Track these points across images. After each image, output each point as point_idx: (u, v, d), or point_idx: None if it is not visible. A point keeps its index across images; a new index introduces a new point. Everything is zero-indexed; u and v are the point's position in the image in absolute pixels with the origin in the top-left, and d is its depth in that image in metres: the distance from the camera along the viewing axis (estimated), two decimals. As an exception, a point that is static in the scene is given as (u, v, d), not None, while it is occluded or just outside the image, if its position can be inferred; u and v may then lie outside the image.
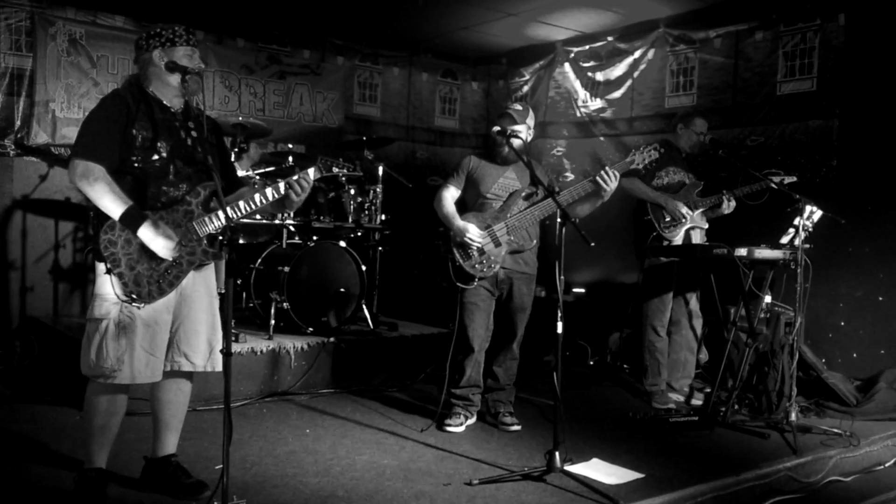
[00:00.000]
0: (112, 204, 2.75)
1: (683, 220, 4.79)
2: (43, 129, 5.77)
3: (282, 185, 2.94)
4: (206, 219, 2.90)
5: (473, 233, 3.96)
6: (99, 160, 2.78)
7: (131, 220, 2.76)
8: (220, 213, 2.88)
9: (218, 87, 6.55)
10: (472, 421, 4.21)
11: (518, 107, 4.18)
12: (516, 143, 3.95)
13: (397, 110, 7.69)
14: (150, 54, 2.92)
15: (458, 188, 4.18)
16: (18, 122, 5.72)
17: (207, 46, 6.49)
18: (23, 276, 5.79)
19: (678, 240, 4.82)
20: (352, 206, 5.63)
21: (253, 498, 3.01)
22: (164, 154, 2.87)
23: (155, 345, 2.89)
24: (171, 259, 2.84)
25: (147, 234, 2.77)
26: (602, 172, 3.80)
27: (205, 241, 2.93)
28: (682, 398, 4.91)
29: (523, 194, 4.08)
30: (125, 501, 2.99)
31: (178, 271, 2.88)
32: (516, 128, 4.03)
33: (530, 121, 4.13)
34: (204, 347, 3.02)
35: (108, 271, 2.81)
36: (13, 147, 5.72)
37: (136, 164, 2.84)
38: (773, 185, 4.48)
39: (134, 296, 2.81)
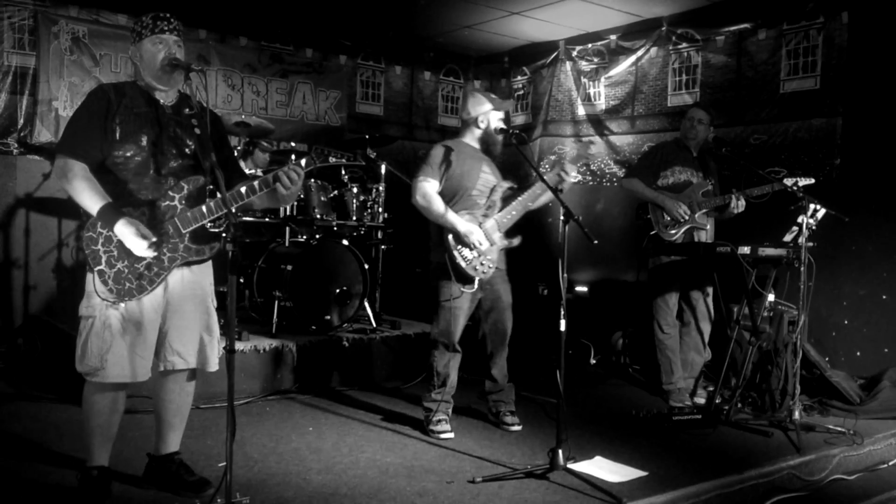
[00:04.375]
0: (90, 200, 2.73)
1: (682, 220, 4.77)
2: (46, 127, 5.78)
3: (269, 177, 2.81)
4: (189, 214, 2.82)
5: (480, 235, 3.88)
6: (78, 157, 2.76)
7: (107, 218, 2.72)
8: (203, 207, 2.80)
9: (221, 85, 6.56)
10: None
11: (492, 95, 4.17)
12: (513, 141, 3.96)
13: (400, 109, 7.69)
14: (131, 50, 2.92)
15: (439, 183, 3.98)
16: (22, 121, 5.73)
17: (210, 45, 6.50)
18: (26, 275, 5.80)
19: (679, 240, 4.81)
20: (354, 205, 5.63)
21: (256, 495, 3.00)
22: (146, 149, 2.83)
23: (140, 344, 2.84)
24: (147, 257, 2.78)
25: (122, 232, 2.72)
26: (556, 171, 3.86)
27: (187, 238, 2.86)
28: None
29: (503, 190, 4.05)
30: (128, 499, 2.99)
31: (159, 268, 2.82)
32: (501, 116, 4.07)
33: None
34: (197, 345, 2.98)
35: (90, 269, 2.79)
36: (16, 145, 5.72)
37: (116, 160, 2.81)
38: (789, 189, 4.35)
39: (115, 293, 2.78)
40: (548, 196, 3.99)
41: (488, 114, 4.07)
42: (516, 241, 4.04)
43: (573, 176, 3.86)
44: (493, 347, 4.16)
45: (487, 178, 4.08)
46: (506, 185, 4.08)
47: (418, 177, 3.99)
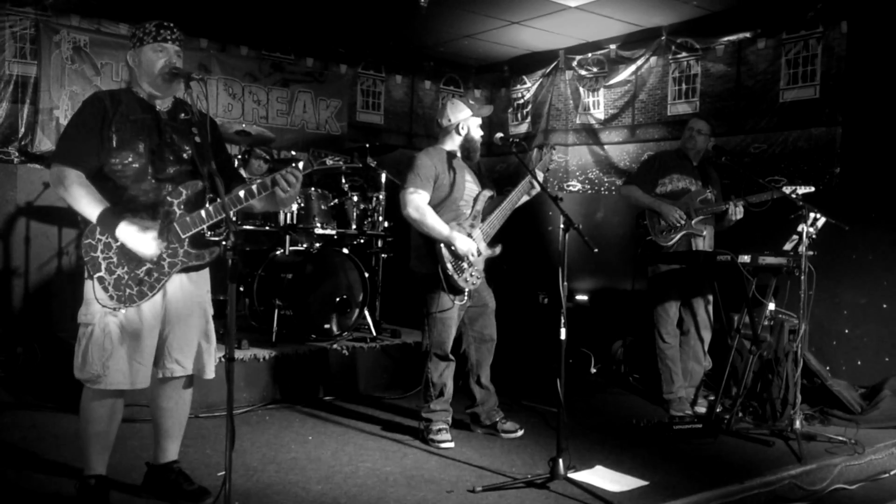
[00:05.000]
0: (89, 207, 2.72)
1: (678, 226, 4.78)
2: (47, 136, 5.79)
3: (268, 180, 2.82)
4: (188, 219, 2.82)
5: (475, 247, 3.88)
6: (74, 165, 2.75)
7: (107, 222, 2.72)
8: (202, 212, 2.81)
9: (221, 94, 6.58)
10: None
11: (472, 101, 4.18)
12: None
13: (400, 118, 7.71)
14: (129, 54, 2.91)
15: (429, 194, 3.91)
16: (22, 130, 5.74)
17: (211, 54, 6.53)
18: (26, 283, 5.80)
19: (675, 246, 4.81)
20: (354, 213, 5.64)
21: (255, 505, 3.00)
22: (143, 155, 2.83)
23: (140, 351, 2.84)
24: (152, 257, 2.77)
25: (124, 233, 2.71)
26: (529, 177, 3.95)
27: (187, 243, 2.85)
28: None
29: (486, 198, 4.05)
30: (127, 508, 2.99)
31: (159, 274, 2.82)
32: (480, 123, 4.09)
33: None
34: (196, 352, 2.98)
35: (89, 276, 2.79)
36: (17, 154, 5.74)
37: (114, 167, 2.81)
38: (789, 197, 4.36)
39: (115, 300, 2.77)
40: (525, 198, 4.07)
41: (468, 120, 4.04)
42: (498, 250, 4.08)
43: (539, 182, 3.93)
44: (480, 356, 4.16)
45: (471, 186, 4.07)
46: (487, 193, 4.09)
47: (408, 188, 3.91)
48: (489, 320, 4.15)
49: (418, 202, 3.88)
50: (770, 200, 4.65)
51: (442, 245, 3.84)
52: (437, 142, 4.18)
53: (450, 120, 4.06)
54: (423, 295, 3.98)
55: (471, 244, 3.87)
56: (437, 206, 3.95)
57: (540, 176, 4.00)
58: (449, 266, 3.84)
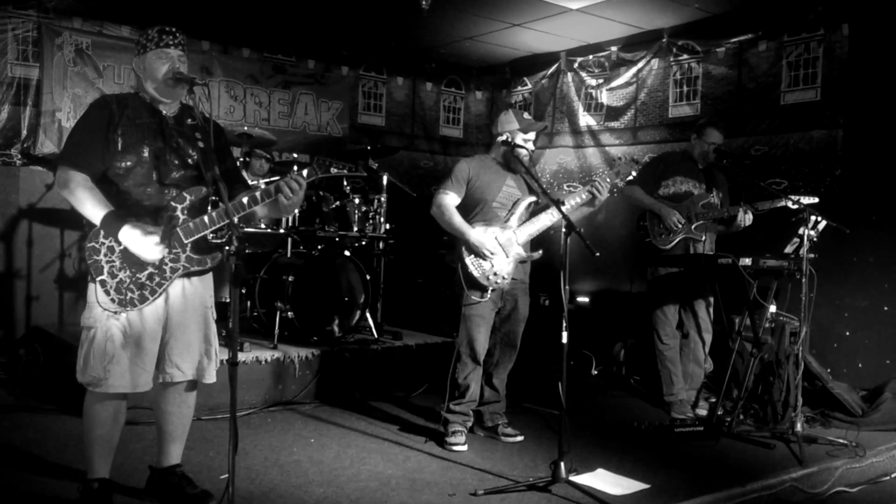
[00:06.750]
0: (93, 210, 2.74)
1: (675, 229, 4.77)
2: (49, 138, 5.80)
3: (271, 187, 2.83)
4: (191, 224, 2.83)
5: (492, 245, 3.94)
6: (79, 168, 2.77)
7: (111, 225, 2.73)
8: (205, 217, 2.82)
9: (223, 96, 6.58)
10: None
11: (527, 115, 4.23)
12: (523, 153, 4.06)
13: (402, 120, 7.72)
14: (134, 61, 2.93)
15: (460, 196, 4.07)
16: (25, 132, 5.75)
17: (213, 56, 6.53)
18: (28, 285, 5.80)
19: (673, 250, 4.81)
20: (356, 216, 5.64)
21: (258, 508, 3.01)
22: (147, 160, 2.84)
23: (142, 355, 2.84)
24: (154, 261, 2.78)
25: (127, 237, 2.71)
26: (596, 182, 3.94)
27: (189, 248, 2.86)
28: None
29: (526, 204, 4.08)
30: (130, 511, 3.00)
31: (160, 278, 2.82)
32: (527, 137, 4.10)
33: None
34: (197, 357, 2.98)
35: (92, 279, 2.80)
36: (19, 156, 5.75)
37: (118, 171, 2.82)
38: (791, 205, 4.39)
39: (116, 302, 2.78)
40: (583, 210, 4.03)
41: (514, 132, 4.11)
42: (536, 255, 4.11)
43: (605, 194, 3.95)
44: (500, 357, 4.20)
45: (511, 191, 4.12)
46: (530, 199, 4.11)
47: (439, 189, 4.11)
48: (516, 327, 4.17)
49: (442, 200, 4.05)
50: (771, 206, 4.65)
51: (463, 243, 3.97)
52: (486, 150, 4.35)
53: (497, 129, 4.21)
54: (456, 293, 4.07)
55: (485, 240, 3.92)
56: (472, 207, 4.07)
57: (608, 182, 4.01)
58: (468, 262, 3.94)
